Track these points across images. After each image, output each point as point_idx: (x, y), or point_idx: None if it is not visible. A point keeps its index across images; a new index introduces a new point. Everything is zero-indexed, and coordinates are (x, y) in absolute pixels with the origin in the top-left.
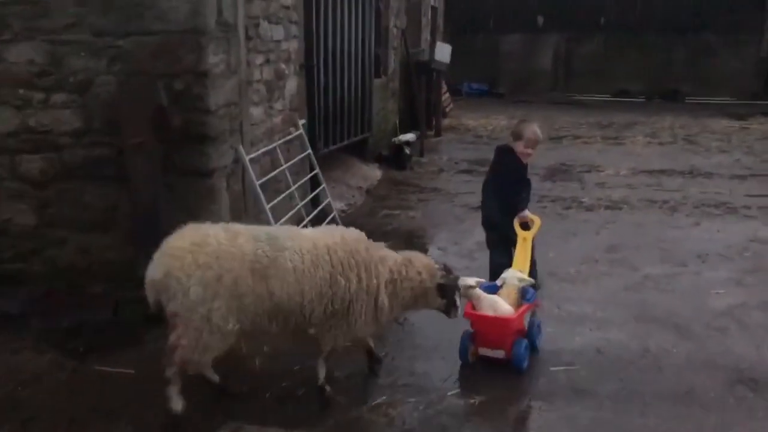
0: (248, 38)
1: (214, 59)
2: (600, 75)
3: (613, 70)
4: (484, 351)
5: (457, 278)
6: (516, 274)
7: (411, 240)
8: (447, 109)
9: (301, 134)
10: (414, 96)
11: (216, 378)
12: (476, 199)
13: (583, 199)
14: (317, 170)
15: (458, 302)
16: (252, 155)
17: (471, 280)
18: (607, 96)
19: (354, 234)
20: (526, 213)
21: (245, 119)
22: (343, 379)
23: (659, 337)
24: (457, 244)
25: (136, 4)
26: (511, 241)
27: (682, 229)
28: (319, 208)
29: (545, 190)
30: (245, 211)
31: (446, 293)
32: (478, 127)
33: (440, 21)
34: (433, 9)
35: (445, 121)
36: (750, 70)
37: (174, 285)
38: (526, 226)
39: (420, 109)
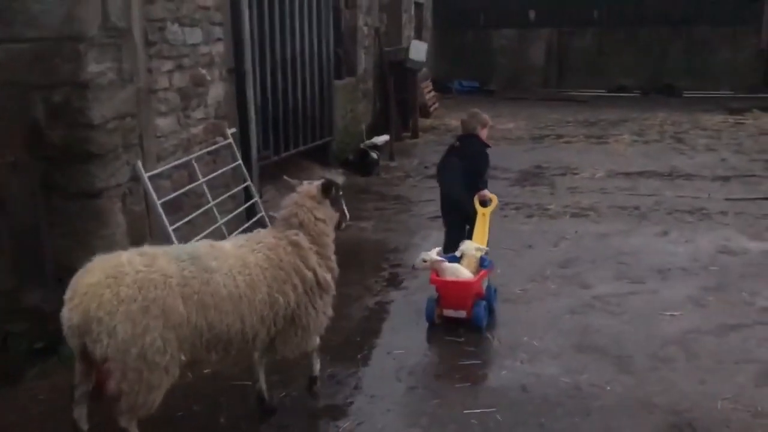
0: (149, 43)
1: (97, 68)
2: (594, 70)
3: (607, 65)
4: (448, 312)
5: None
6: (472, 245)
7: (350, 259)
8: (431, 109)
9: (231, 144)
10: (389, 97)
11: (86, 427)
12: (436, 207)
13: (549, 206)
14: (249, 182)
15: (345, 209)
16: (157, 171)
17: (433, 252)
18: (602, 91)
19: (269, 239)
20: (486, 192)
21: (147, 132)
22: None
23: (595, 371)
24: (399, 266)
25: (2, 8)
26: (470, 219)
27: (647, 239)
28: (251, 221)
29: (512, 197)
30: (150, 234)
31: (330, 193)
32: (460, 127)
33: (427, 16)
34: (419, 5)
35: (428, 121)
36: (749, 63)
37: (96, 328)
38: (484, 203)
39: (392, 111)
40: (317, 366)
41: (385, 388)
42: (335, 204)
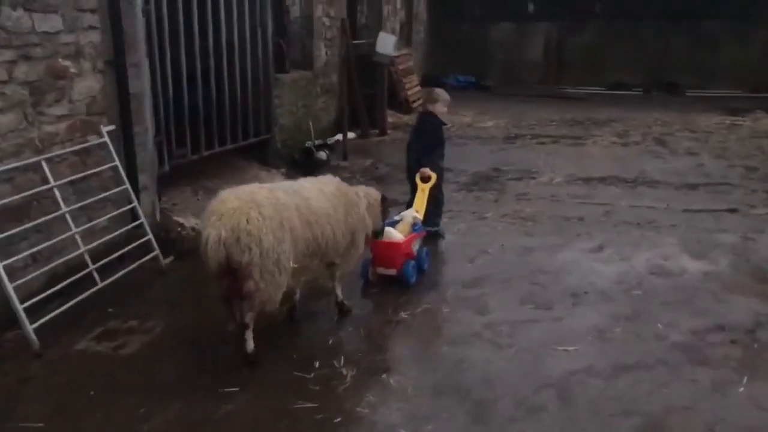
0: None
1: None
2: (594, 67)
3: (608, 62)
4: (381, 270)
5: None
6: (411, 213)
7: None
8: (414, 105)
9: (105, 143)
10: (355, 93)
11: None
12: None
13: (486, 215)
14: (126, 185)
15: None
16: None
17: None
18: (602, 89)
19: (335, 180)
20: (427, 169)
21: None
22: None
23: (445, 420)
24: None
25: None
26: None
27: (577, 255)
28: (129, 227)
29: (452, 203)
30: None
31: (385, 207)
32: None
33: (421, 9)
34: None
35: (406, 117)
36: (755, 61)
37: (245, 238)
38: (425, 179)
39: (348, 107)
40: (339, 291)
41: None
42: (384, 214)
